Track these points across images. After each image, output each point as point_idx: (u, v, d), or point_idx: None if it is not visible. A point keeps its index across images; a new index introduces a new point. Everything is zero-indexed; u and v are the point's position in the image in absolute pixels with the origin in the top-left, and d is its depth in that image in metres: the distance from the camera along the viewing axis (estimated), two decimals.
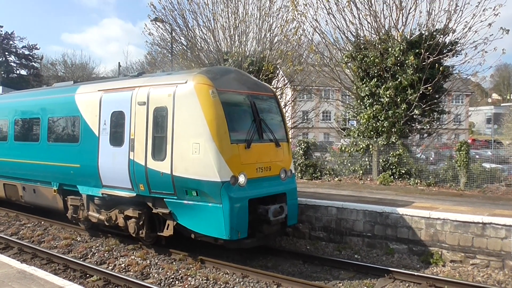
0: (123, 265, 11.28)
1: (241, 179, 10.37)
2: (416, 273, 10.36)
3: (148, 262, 11.44)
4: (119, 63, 53.55)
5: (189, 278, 10.26)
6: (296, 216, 12.02)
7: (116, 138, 12.03)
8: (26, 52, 58.59)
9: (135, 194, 11.65)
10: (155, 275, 10.62)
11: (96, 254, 12.26)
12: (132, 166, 11.49)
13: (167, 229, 11.42)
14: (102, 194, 12.49)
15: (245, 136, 10.80)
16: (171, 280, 10.26)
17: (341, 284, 10.11)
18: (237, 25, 23.98)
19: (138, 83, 11.93)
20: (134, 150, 11.46)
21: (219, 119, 10.24)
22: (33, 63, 60.07)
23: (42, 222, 16.02)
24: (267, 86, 13.07)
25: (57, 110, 14.36)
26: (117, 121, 12.05)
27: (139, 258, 11.68)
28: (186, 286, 9.88)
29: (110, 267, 11.19)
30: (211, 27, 24.70)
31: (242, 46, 24.19)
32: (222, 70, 13.25)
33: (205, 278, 10.21)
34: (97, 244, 13.10)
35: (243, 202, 10.27)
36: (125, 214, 12.21)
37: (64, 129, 14.22)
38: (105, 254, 12.17)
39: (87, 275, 10.55)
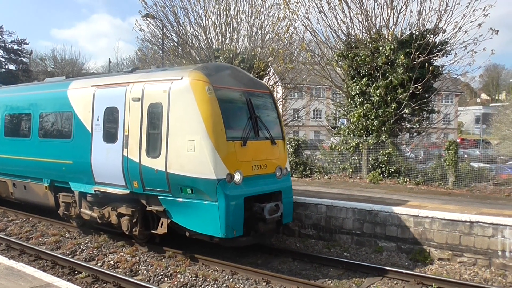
0: (112, 262, 11.23)
1: (237, 176, 10.28)
2: (404, 271, 10.44)
3: (137, 259, 11.41)
4: (109, 59, 53.24)
5: (179, 275, 10.25)
6: (291, 214, 11.99)
7: (110, 134, 11.89)
8: (15, 47, 57.95)
9: (128, 191, 11.53)
10: (144, 272, 10.59)
11: (85, 250, 12.21)
12: (126, 163, 11.38)
13: (161, 227, 11.32)
14: (95, 191, 12.36)
15: (241, 134, 10.69)
16: (160, 277, 10.25)
17: (330, 281, 10.15)
18: (229, 22, 23.96)
19: (132, 79, 11.78)
20: (128, 147, 11.34)
21: (215, 116, 10.12)
22: (22, 58, 59.39)
23: (30, 219, 15.90)
24: (263, 83, 12.97)
25: (49, 105, 14.17)
26: (111, 117, 11.92)
27: (128, 255, 11.64)
28: (175, 283, 9.87)
29: (99, 264, 11.15)
30: (202, 24, 24.66)
31: (233, 43, 24.19)
32: (218, 66, 13.09)
33: (194, 275, 10.21)
34: (86, 241, 13.04)
35: (238, 200, 10.19)
36: (118, 212, 12.06)
37: (56, 124, 14.04)
38: (94, 251, 12.12)
39: (76, 272, 10.49)
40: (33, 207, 15.96)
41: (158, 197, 11.01)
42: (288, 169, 12.15)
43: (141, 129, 11.09)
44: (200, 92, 10.20)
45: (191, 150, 10.14)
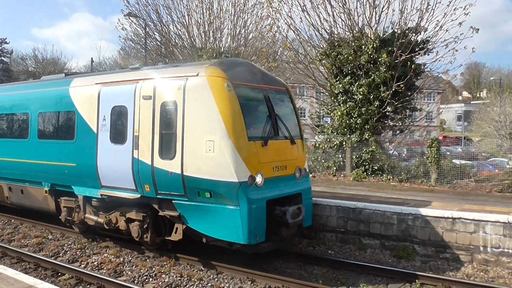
0: (96, 263, 11.15)
1: (259, 179, 9.73)
2: (388, 268, 10.54)
3: (122, 259, 11.33)
4: (91, 58, 52.37)
5: (163, 275, 10.20)
6: (311, 217, 11.54)
7: (118, 135, 11.20)
8: None
9: (139, 196, 10.85)
10: (129, 272, 10.53)
11: (68, 252, 12.09)
12: (136, 165, 10.67)
13: (175, 233, 10.71)
14: (101, 195, 11.62)
15: (261, 133, 10.18)
16: (145, 277, 10.19)
17: (315, 279, 10.19)
18: (212, 21, 23.96)
19: (141, 76, 11.10)
20: (138, 148, 10.64)
21: (235, 115, 9.54)
22: (3, 58, 58.52)
23: (12, 220, 15.67)
24: (279, 80, 12.35)
25: (49, 104, 13.34)
26: (119, 117, 11.27)
27: (112, 256, 11.55)
28: (160, 283, 9.82)
29: (82, 265, 11.05)
30: (185, 23, 24.64)
31: (217, 42, 24.21)
32: (234, 62, 12.38)
33: (179, 275, 10.17)
34: (69, 242, 12.91)
35: (261, 203, 9.64)
36: (127, 217, 11.41)
37: (57, 125, 13.18)
38: (77, 252, 12.00)
39: (59, 274, 10.39)
40: (14, 209, 15.69)
41: (173, 201, 10.36)
42: (307, 170, 11.70)
43: (153, 129, 10.42)
44: (219, 89, 9.61)
45: (209, 151, 9.53)
